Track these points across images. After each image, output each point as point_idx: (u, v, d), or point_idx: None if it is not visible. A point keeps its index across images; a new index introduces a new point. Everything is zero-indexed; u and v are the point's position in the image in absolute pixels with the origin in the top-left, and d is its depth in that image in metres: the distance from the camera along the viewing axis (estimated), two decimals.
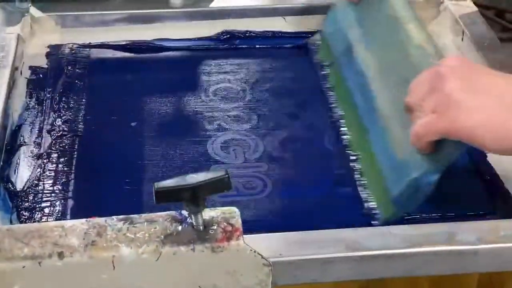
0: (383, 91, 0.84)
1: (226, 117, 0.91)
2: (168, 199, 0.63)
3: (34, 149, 0.85)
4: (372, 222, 0.75)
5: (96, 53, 1.02)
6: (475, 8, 1.07)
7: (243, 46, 1.05)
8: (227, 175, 0.62)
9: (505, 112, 0.66)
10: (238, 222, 0.65)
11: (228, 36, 1.06)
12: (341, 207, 0.78)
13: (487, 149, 0.69)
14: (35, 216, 0.76)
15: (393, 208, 0.75)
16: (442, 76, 0.68)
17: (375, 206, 0.77)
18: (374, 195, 0.78)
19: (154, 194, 0.62)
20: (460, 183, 0.81)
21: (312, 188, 0.81)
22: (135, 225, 0.64)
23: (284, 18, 1.09)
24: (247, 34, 1.06)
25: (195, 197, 0.62)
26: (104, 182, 0.82)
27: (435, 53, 0.79)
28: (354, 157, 0.84)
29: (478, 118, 0.65)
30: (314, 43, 1.03)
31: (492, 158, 0.83)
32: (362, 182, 0.81)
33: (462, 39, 1.03)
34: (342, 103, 0.91)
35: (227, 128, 0.90)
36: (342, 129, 0.88)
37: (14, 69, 0.95)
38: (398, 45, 0.83)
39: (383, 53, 0.87)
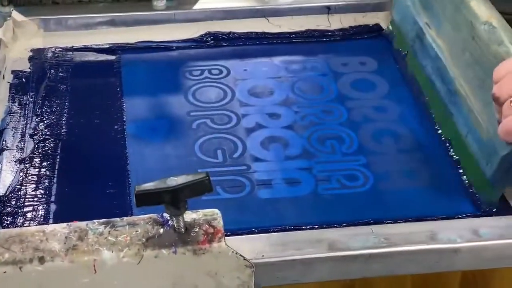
0: (459, 72, 0.85)
1: (209, 119, 0.92)
2: (149, 202, 0.63)
3: (17, 153, 0.85)
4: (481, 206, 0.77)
5: (79, 57, 1.02)
6: None
7: (226, 46, 1.05)
8: (207, 177, 0.63)
9: None
10: (219, 224, 0.65)
11: (211, 37, 1.06)
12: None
13: None
14: (18, 221, 0.76)
15: (492, 189, 0.77)
16: None
17: (477, 191, 0.79)
18: (473, 179, 0.80)
19: (134, 197, 0.62)
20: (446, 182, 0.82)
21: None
22: (116, 229, 0.64)
23: (267, 19, 1.09)
24: (230, 36, 1.06)
25: (175, 200, 0.62)
26: (87, 186, 0.81)
27: (502, 27, 0.80)
28: (448, 145, 0.85)
29: None
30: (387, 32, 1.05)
31: None
32: (460, 168, 0.82)
33: None
34: (425, 90, 0.93)
35: (211, 129, 0.90)
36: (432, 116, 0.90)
37: None
38: (465, 23, 0.84)
39: (453, 34, 0.88)
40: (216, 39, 1.06)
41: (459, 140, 0.84)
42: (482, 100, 0.77)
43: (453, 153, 0.85)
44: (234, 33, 1.07)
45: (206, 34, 1.06)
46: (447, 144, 0.86)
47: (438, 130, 0.88)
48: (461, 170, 0.83)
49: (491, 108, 0.72)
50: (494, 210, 0.77)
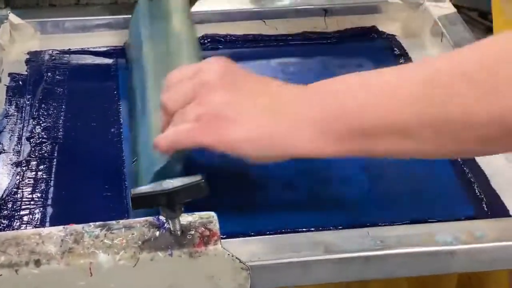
0: (153, 83, 0.83)
1: None
2: (145, 205, 0.63)
3: (13, 156, 0.85)
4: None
5: (76, 59, 1.02)
6: (454, 9, 1.08)
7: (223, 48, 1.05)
8: (202, 180, 0.63)
9: (268, 119, 0.66)
10: (215, 226, 0.65)
11: (208, 40, 1.06)
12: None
13: (254, 159, 0.68)
14: (14, 224, 0.76)
15: None
16: (207, 85, 0.67)
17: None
18: None
19: (130, 200, 0.62)
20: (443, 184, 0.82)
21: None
22: (112, 232, 0.64)
23: (264, 21, 1.09)
24: (227, 38, 1.06)
25: (171, 203, 0.63)
26: (84, 189, 0.81)
27: (188, 38, 0.82)
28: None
29: (241, 131, 0.66)
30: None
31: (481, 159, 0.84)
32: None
33: (441, 40, 1.03)
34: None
35: None
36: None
37: None
38: (165, 36, 0.87)
39: (158, 46, 0.88)
40: (213, 41, 1.06)
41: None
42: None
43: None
44: (231, 35, 1.07)
45: (203, 36, 1.06)
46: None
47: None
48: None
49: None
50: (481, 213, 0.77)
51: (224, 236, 0.67)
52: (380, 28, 1.08)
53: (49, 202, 0.79)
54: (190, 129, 0.67)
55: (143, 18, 0.96)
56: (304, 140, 0.66)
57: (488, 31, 1.14)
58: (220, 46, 1.05)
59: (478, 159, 0.83)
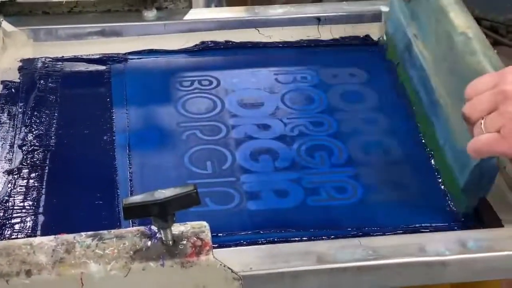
0: (440, 82, 0.86)
1: (198, 130, 0.92)
2: (137, 214, 0.63)
3: (5, 164, 0.85)
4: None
5: (69, 67, 1.02)
6: None
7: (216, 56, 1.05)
8: (195, 190, 0.63)
9: None
10: (207, 236, 0.65)
11: (202, 48, 1.06)
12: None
13: None
14: (5, 233, 0.76)
15: (465, 199, 0.77)
16: (508, 96, 0.68)
17: (453, 201, 0.80)
18: (450, 190, 0.81)
19: (122, 210, 0.62)
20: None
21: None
22: (104, 241, 0.64)
23: (258, 30, 1.09)
24: (220, 46, 1.06)
25: (163, 213, 0.62)
26: (75, 197, 0.81)
27: (477, 38, 0.81)
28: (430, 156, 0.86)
29: None
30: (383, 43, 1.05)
31: None
32: (439, 178, 0.83)
33: None
34: (412, 101, 0.94)
35: (201, 140, 0.90)
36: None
37: None
38: (444, 34, 0.86)
39: (435, 45, 0.89)
40: (207, 49, 1.06)
41: (438, 150, 0.85)
42: (458, 110, 0.78)
43: (434, 164, 0.85)
44: (224, 43, 1.07)
45: (196, 44, 1.06)
46: (430, 155, 0.87)
47: (423, 140, 0.89)
48: (440, 181, 0.83)
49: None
50: (471, 222, 0.77)
51: (216, 246, 0.66)
52: (373, 37, 1.08)
53: (41, 210, 0.79)
54: (489, 139, 0.68)
55: (406, 18, 0.98)
56: None
57: (495, 44, 1.14)
58: (214, 54, 1.05)
59: None
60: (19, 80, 0.99)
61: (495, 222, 0.77)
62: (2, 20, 1.05)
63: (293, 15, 1.10)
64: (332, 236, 0.75)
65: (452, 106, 0.82)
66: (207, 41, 1.07)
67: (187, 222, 0.66)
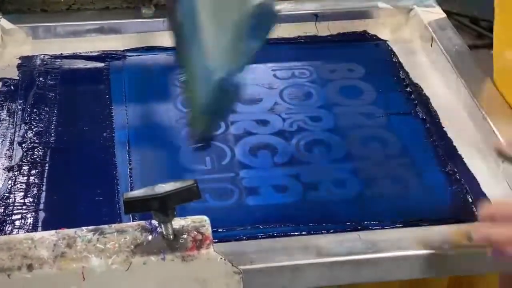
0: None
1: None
2: (137, 209, 0.63)
3: (5, 161, 0.85)
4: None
5: (68, 64, 1.03)
6: (444, 15, 1.08)
7: None
8: (195, 185, 0.63)
9: None
10: (208, 230, 0.65)
11: None
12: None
13: None
14: (6, 229, 0.76)
15: (203, 118, 0.74)
16: None
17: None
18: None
19: (123, 204, 0.62)
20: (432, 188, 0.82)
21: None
22: (105, 236, 0.64)
23: None
24: None
25: (164, 207, 0.63)
26: (76, 193, 0.81)
27: None
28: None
29: None
30: None
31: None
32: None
33: (431, 45, 1.04)
34: None
35: None
36: None
37: None
38: None
39: None
40: None
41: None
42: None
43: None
44: None
45: None
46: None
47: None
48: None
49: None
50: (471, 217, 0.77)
51: (216, 240, 0.67)
52: (371, 33, 1.09)
53: (41, 206, 0.79)
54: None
55: None
56: None
57: (479, 36, 1.14)
58: None
59: (468, 163, 0.84)
60: (18, 78, 0.99)
61: None
62: (1, 18, 1.05)
63: (291, 12, 1.11)
64: (331, 231, 0.75)
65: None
66: None
67: (188, 216, 0.66)
